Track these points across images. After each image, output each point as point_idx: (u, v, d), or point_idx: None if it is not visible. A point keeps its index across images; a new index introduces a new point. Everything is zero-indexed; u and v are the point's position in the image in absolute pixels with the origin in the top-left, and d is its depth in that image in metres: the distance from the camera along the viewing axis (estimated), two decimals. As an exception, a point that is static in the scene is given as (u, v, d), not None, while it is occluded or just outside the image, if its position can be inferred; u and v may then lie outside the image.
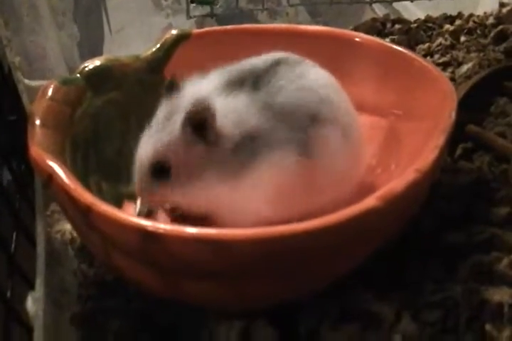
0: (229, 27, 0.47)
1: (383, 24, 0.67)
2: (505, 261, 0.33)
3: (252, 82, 0.34)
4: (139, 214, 0.38)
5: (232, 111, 0.33)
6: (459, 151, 0.44)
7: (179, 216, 0.37)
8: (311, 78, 0.35)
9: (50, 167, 0.30)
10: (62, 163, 0.32)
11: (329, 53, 0.41)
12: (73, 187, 0.29)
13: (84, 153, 0.39)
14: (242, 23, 0.48)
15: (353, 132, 0.35)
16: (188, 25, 0.68)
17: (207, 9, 0.66)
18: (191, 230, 0.27)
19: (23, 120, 0.35)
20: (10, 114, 0.46)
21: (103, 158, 0.41)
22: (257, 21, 0.72)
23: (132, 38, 0.72)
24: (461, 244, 0.35)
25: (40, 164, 0.31)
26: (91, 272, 0.37)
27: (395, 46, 0.41)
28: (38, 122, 0.34)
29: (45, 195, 0.43)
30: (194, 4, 0.65)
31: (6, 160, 0.42)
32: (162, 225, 0.27)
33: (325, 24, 0.72)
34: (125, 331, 0.32)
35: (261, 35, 0.45)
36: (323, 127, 0.33)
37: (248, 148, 0.32)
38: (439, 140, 0.30)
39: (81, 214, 0.29)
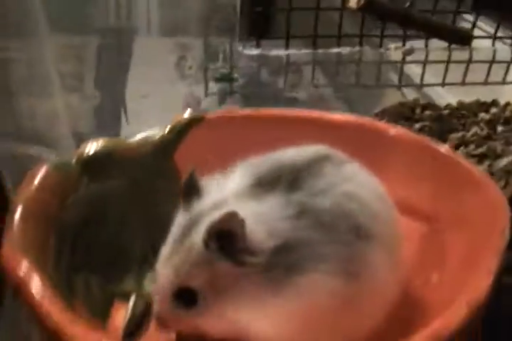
0: (247, 111, 0.43)
1: (412, 109, 0.63)
2: None
3: (289, 180, 0.28)
4: (128, 326, 0.33)
5: (265, 217, 0.27)
6: None
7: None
8: (358, 183, 0.30)
9: (19, 277, 0.25)
10: (43, 260, 0.27)
11: (358, 146, 0.36)
12: (45, 304, 0.24)
13: (72, 246, 0.34)
14: (263, 94, 0.45)
15: (396, 246, 0.30)
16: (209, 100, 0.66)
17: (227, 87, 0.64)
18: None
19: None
20: None
21: (93, 250, 0.36)
22: (278, 92, 0.68)
23: (153, 106, 0.70)
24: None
25: (11, 267, 0.26)
26: None
27: (436, 146, 0.36)
28: (18, 215, 0.30)
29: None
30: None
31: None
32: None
33: (347, 101, 0.69)
34: None
35: (283, 122, 0.41)
36: (370, 242, 0.27)
37: (282, 263, 0.26)
38: (491, 263, 0.25)
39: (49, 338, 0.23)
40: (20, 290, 0.25)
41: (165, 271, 0.28)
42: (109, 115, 0.68)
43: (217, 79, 0.63)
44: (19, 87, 0.52)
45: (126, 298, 0.37)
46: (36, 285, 0.25)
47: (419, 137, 0.38)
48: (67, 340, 0.23)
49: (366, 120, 0.40)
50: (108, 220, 0.37)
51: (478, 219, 0.30)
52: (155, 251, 0.40)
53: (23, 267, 0.26)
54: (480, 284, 0.24)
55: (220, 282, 0.26)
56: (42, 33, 0.54)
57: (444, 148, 0.36)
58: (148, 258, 0.40)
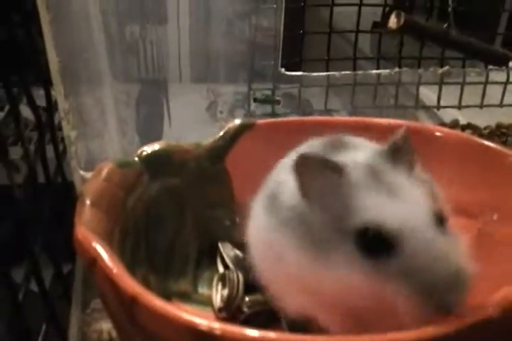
0: (294, 118, 0.45)
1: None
2: None
3: None
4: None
5: None
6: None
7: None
8: None
9: (95, 250, 0.26)
10: (110, 248, 0.28)
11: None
12: (118, 274, 0.25)
13: (134, 242, 0.35)
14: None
15: None
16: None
17: (268, 109, 0.65)
18: (253, 333, 0.22)
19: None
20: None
21: (153, 249, 0.37)
22: (318, 113, 0.69)
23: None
24: None
25: (85, 245, 0.27)
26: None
27: (483, 141, 0.37)
28: (88, 202, 0.31)
29: (87, 291, 0.39)
30: (255, 103, 0.65)
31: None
32: (219, 325, 0.22)
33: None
34: None
35: (329, 127, 0.42)
36: None
37: None
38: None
39: (124, 306, 0.24)
40: (96, 263, 0.26)
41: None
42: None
43: (260, 101, 0.64)
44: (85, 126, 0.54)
45: (181, 297, 0.38)
46: (112, 261, 0.26)
47: (467, 135, 0.39)
48: (146, 308, 0.23)
49: (412, 123, 0.40)
50: (166, 220, 0.39)
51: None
52: (209, 255, 0.42)
53: (97, 245, 0.27)
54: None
55: None
56: (106, 80, 0.58)
57: (493, 143, 0.37)
58: (203, 261, 0.41)
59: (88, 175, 0.49)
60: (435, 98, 0.66)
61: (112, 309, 0.26)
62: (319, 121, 0.44)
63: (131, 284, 0.24)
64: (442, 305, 0.23)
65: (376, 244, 0.25)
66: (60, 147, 0.50)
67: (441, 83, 0.65)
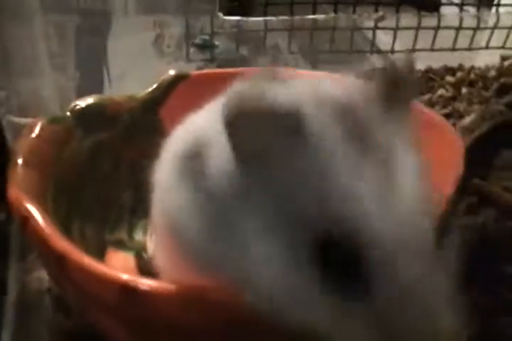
0: (230, 69, 0.46)
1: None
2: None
3: None
4: None
5: None
6: (463, 206, 0.43)
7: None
8: None
9: (27, 209, 0.28)
10: (43, 206, 0.30)
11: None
12: (48, 233, 0.27)
13: (69, 196, 0.37)
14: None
15: None
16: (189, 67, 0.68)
17: (207, 55, 0.66)
18: (174, 287, 0.24)
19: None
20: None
21: (89, 201, 0.39)
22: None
23: (132, 84, 0.71)
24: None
25: (17, 205, 0.29)
26: (67, 323, 0.34)
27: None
28: (20, 161, 0.32)
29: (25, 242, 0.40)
30: (194, 49, 0.65)
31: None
32: (143, 280, 0.25)
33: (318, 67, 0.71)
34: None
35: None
36: None
37: None
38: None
39: (55, 263, 0.26)
40: (28, 222, 0.28)
41: None
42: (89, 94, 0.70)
43: (198, 46, 0.64)
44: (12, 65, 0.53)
45: (117, 245, 0.40)
46: (43, 219, 0.28)
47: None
48: (75, 265, 0.26)
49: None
50: (100, 173, 0.40)
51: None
52: (143, 204, 0.44)
53: (29, 205, 0.29)
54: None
55: None
56: (34, 11, 0.56)
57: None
58: (138, 210, 0.43)
59: (22, 121, 0.49)
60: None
61: (45, 263, 0.29)
62: (250, 71, 0.45)
63: (60, 242, 0.26)
64: None
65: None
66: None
67: (375, 27, 0.67)
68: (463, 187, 0.41)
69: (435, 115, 0.38)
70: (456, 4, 0.71)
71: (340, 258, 0.18)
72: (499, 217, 0.39)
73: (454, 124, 0.55)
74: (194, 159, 0.23)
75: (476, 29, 0.69)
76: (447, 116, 0.56)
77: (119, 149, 0.41)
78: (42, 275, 0.37)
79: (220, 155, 0.21)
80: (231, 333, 0.25)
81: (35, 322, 0.34)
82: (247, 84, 0.21)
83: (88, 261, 0.25)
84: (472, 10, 0.71)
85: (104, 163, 0.40)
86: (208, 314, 0.24)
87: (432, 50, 0.69)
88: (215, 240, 0.21)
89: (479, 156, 0.43)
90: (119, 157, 0.41)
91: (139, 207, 0.43)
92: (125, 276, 0.24)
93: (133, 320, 0.25)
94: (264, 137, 0.19)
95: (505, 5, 0.73)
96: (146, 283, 0.24)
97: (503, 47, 0.70)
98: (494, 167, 0.44)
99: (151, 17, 0.82)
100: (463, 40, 0.68)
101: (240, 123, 0.19)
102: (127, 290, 0.24)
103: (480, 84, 0.64)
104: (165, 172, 0.26)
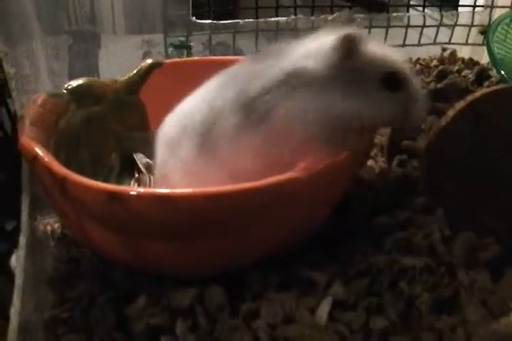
0: (198, 58, 0.55)
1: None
2: (419, 235, 0.39)
3: None
4: None
5: None
6: (395, 162, 0.51)
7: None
8: None
9: (35, 150, 0.37)
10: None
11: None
12: (52, 163, 0.35)
13: (66, 156, 0.45)
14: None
15: None
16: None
17: (184, 54, 0.75)
18: (149, 191, 0.33)
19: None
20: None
21: (82, 162, 0.48)
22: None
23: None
24: (386, 224, 0.41)
25: (27, 149, 0.37)
26: (68, 255, 0.42)
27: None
28: (27, 122, 0.41)
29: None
30: (172, 49, 0.74)
31: None
32: (125, 188, 0.33)
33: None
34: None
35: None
36: None
37: None
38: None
39: (58, 185, 0.35)
40: (36, 159, 0.36)
41: None
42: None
43: (176, 46, 0.73)
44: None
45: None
46: (46, 156, 0.36)
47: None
48: (73, 183, 0.34)
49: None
50: (93, 139, 0.49)
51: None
52: (130, 169, 0.52)
53: (36, 148, 0.37)
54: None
55: None
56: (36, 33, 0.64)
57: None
58: (124, 173, 0.52)
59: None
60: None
61: (49, 190, 0.37)
62: (220, 60, 0.54)
63: (61, 169, 0.35)
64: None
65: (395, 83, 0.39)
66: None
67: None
68: (396, 148, 0.51)
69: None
70: (404, 5, 0.81)
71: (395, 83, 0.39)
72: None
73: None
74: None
75: (423, 27, 0.78)
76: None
77: (107, 121, 0.50)
78: (46, 221, 0.46)
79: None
80: (193, 230, 0.34)
81: (42, 253, 0.42)
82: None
83: (83, 178, 0.34)
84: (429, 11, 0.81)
85: (95, 131, 0.49)
86: (175, 213, 0.32)
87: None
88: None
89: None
90: (107, 128, 0.50)
91: (125, 171, 0.52)
92: (112, 186, 0.33)
93: (118, 223, 0.34)
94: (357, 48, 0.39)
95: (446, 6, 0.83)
96: (127, 190, 0.33)
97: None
98: (422, 130, 0.53)
99: (140, 36, 0.91)
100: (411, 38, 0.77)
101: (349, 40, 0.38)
102: (114, 197, 0.32)
103: (425, 72, 0.73)
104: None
